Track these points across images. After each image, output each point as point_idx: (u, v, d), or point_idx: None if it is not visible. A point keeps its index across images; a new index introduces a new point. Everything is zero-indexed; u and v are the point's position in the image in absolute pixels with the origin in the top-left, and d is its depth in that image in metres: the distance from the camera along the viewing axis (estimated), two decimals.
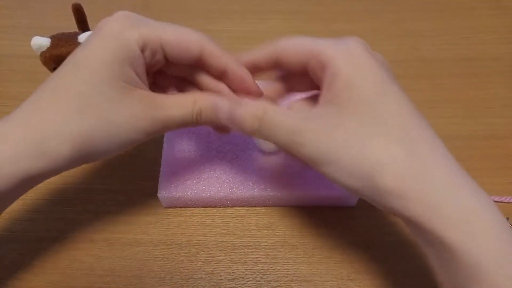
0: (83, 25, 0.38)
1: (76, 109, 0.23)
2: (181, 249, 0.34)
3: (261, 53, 0.27)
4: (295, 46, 0.26)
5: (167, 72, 0.29)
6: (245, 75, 0.27)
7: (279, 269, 0.33)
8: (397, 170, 0.21)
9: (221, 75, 0.28)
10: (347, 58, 0.23)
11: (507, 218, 0.36)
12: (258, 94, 0.28)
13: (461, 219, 0.21)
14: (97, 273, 0.33)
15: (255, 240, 0.35)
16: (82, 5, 0.37)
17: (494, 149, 0.40)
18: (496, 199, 0.37)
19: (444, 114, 0.43)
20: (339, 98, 0.23)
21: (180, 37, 0.26)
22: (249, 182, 0.35)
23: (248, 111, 0.25)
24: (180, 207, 0.36)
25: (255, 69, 0.28)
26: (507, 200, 0.37)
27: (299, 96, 0.29)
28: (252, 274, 0.33)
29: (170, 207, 0.36)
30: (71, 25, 0.38)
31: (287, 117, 0.24)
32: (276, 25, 0.51)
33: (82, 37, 0.34)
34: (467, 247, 0.20)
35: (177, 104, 0.26)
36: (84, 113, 0.23)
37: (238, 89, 0.28)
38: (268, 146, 0.35)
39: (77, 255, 0.34)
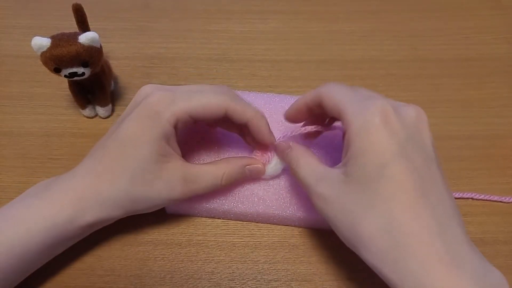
0: (83, 25, 0.38)
1: (127, 181, 0.29)
2: (181, 248, 0.34)
3: (310, 95, 0.30)
4: (330, 97, 0.28)
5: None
6: (263, 126, 0.31)
7: (279, 269, 0.33)
8: (378, 254, 0.24)
9: (243, 123, 0.31)
10: (361, 129, 0.25)
11: None
12: (271, 141, 0.33)
13: None
14: (98, 273, 0.33)
15: (255, 240, 0.35)
16: (82, 5, 0.37)
17: (494, 149, 0.40)
18: (495, 198, 0.37)
19: (444, 114, 0.43)
20: (350, 167, 0.25)
21: (205, 105, 0.30)
22: (254, 197, 0.35)
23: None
24: (183, 215, 0.36)
25: (307, 111, 0.31)
26: (506, 200, 0.37)
27: (306, 129, 0.32)
28: (252, 273, 0.33)
29: (173, 213, 0.36)
30: (71, 25, 0.38)
31: (306, 177, 0.28)
32: (276, 25, 0.51)
33: (82, 37, 0.34)
34: None
35: (208, 177, 0.32)
36: (132, 184, 0.29)
37: (256, 136, 0.32)
38: (269, 173, 0.35)
39: (77, 255, 0.34)
